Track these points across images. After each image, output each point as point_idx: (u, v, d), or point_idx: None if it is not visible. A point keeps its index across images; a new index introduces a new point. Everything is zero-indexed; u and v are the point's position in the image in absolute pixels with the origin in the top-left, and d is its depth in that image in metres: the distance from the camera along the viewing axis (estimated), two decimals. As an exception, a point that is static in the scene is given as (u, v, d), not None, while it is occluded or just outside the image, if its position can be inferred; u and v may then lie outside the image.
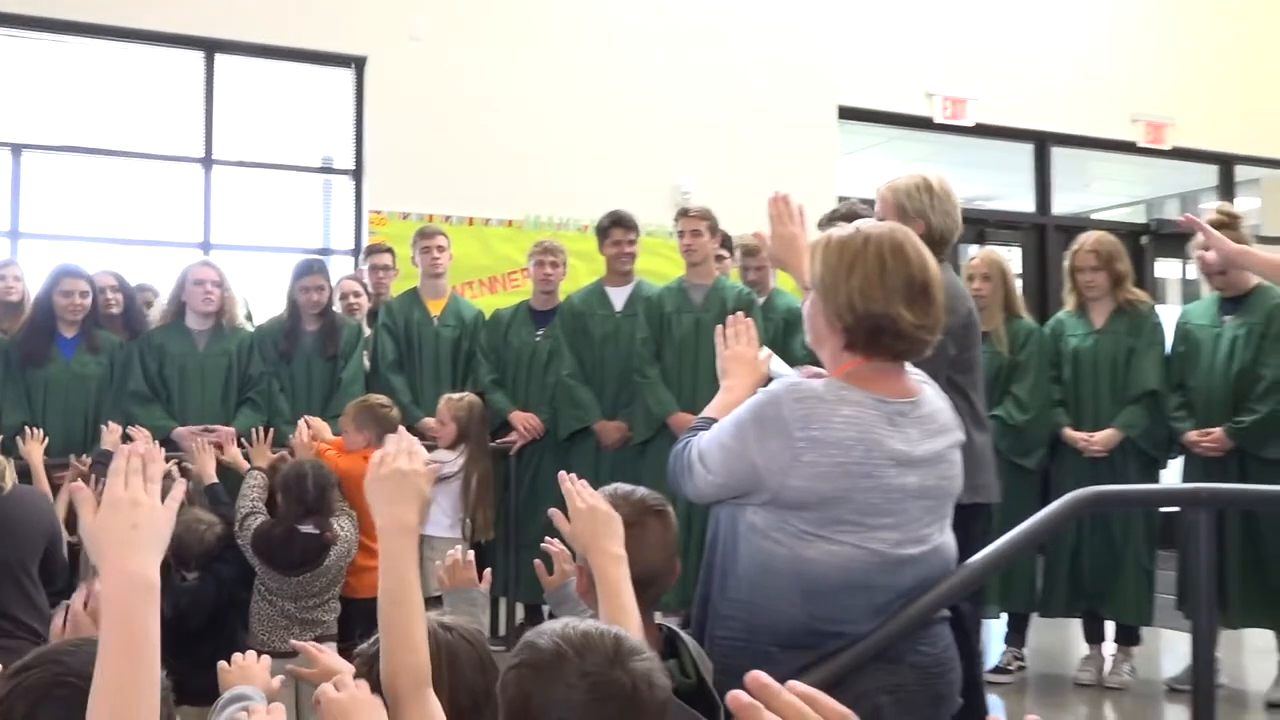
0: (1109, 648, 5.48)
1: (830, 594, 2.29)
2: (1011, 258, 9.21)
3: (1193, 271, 6.48)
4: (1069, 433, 5.33)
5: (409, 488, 1.84)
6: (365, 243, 7.17)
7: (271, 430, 5.05)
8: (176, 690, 1.71)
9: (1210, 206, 5.27)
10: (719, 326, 2.75)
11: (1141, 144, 9.43)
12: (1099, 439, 5.26)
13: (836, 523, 2.27)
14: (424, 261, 6.08)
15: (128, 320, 5.85)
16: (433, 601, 2.26)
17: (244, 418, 5.38)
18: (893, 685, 2.35)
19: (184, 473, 4.84)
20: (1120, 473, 5.21)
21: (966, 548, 2.61)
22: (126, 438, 4.73)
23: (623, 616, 2.04)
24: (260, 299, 6.52)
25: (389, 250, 6.59)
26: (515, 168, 7.50)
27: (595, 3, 7.95)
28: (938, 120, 8.85)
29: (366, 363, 5.91)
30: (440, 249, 6.07)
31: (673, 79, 8.02)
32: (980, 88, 8.90)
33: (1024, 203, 9.52)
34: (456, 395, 5.21)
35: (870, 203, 3.96)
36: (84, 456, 4.95)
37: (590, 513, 2.23)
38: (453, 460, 5.05)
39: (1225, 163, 9.91)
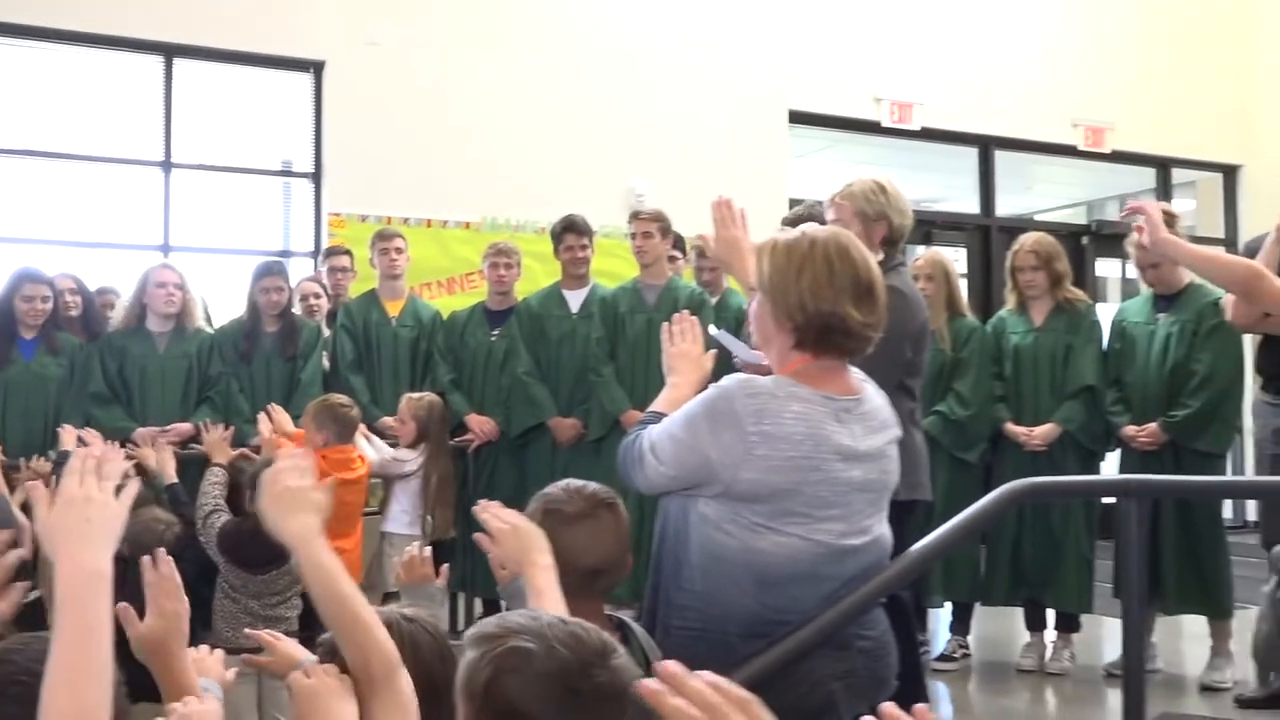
0: (1050, 635, 5.65)
1: (781, 584, 2.37)
2: (957, 258, 9.43)
3: (1132, 270, 6.66)
4: (1010, 427, 5.49)
5: (303, 501, 1.90)
6: (325, 245, 7.24)
7: (232, 428, 5.13)
8: (136, 687, 1.75)
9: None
10: (665, 325, 2.85)
11: (1082, 147, 9.67)
12: (1039, 433, 5.43)
13: (786, 514, 2.35)
14: (382, 263, 6.18)
15: (86, 322, 5.89)
16: (392, 596, 2.34)
17: (201, 415, 5.45)
18: (843, 671, 2.44)
19: (142, 472, 4.93)
20: (1060, 466, 5.38)
21: (901, 542, 2.72)
22: (81, 441, 4.83)
23: None
24: (221, 301, 6.57)
25: (347, 252, 6.67)
26: (473, 171, 7.60)
27: (550, 8, 8.06)
28: (885, 124, 9.03)
29: (326, 363, 5.99)
30: (398, 251, 6.17)
31: (627, 83, 8.14)
32: (926, 93, 9.10)
33: (969, 204, 9.73)
34: (417, 395, 5.31)
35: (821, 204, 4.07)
36: (42, 458, 4.99)
37: (514, 532, 2.30)
38: (413, 459, 5.14)
39: (1163, 165, 10.18)
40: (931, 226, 9.36)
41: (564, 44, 8.03)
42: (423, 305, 6.39)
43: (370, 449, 5.25)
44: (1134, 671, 2.92)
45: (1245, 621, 4.99)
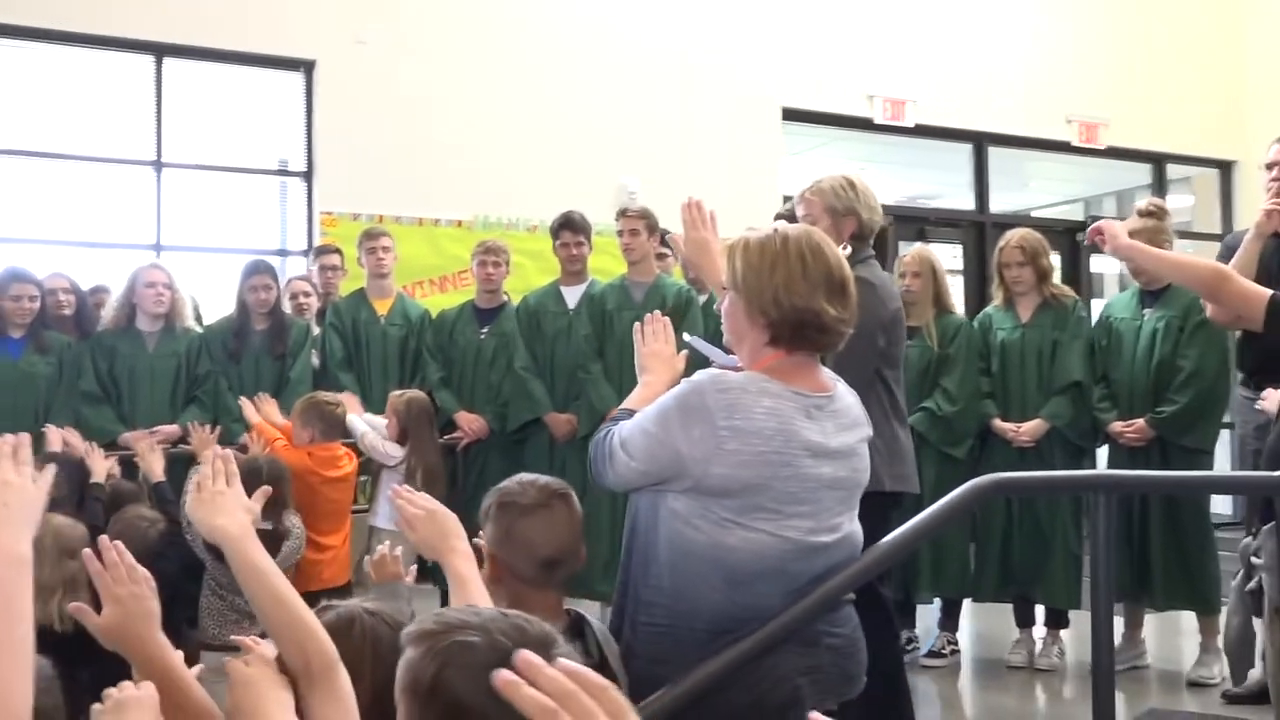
0: (1039, 631, 5.66)
1: (749, 580, 2.37)
2: (953, 255, 9.45)
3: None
4: (997, 423, 5.49)
5: (228, 503, 1.99)
6: (317, 244, 7.26)
7: (219, 427, 5.14)
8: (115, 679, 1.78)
9: (1142, 201, 5.45)
10: (636, 324, 2.87)
11: (1076, 144, 9.67)
12: (1026, 429, 5.43)
13: (755, 510, 2.35)
14: (370, 262, 6.19)
15: (79, 321, 5.91)
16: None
17: (189, 415, 5.47)
18: (809, 667, 2.44)
19: (129, 470, 4.95)
20: (1048, 462, 5.38)
21: (884, 534, 2.74)
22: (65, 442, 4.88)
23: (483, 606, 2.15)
24: (215, 300, 6.58)
25: (337, 251, 6.70)
26: (464, 168, 7.61)
27: (541, 6, 8.07)
28: (878, 121, 9.04)
29: (316, 361, 6.01)
30: (385, 249, 6.18)
31: (619, 81, 8.15)
32: (919, 90, 9.10)
33: (964, 201, 9.73)
34: (398, 392, 5.34)
35: None
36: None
37: (429, 517, 2.34)
38: (399, 454, 5.16)
39: (1158, 161, 10.18)
40: (925, 223, 9.36)
41: (555, 42, 8.04)
42: (411, 304, 6.41)
43: (361, 422, 5.26)
44: (1103, 668, 2.92)
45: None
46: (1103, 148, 9.75)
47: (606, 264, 7.10)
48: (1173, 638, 5.95)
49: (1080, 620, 5.73)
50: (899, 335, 3.87)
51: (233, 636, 2.55)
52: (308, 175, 7.62)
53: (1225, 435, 6.36)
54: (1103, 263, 10.13)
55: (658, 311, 2.95)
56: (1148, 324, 5.31)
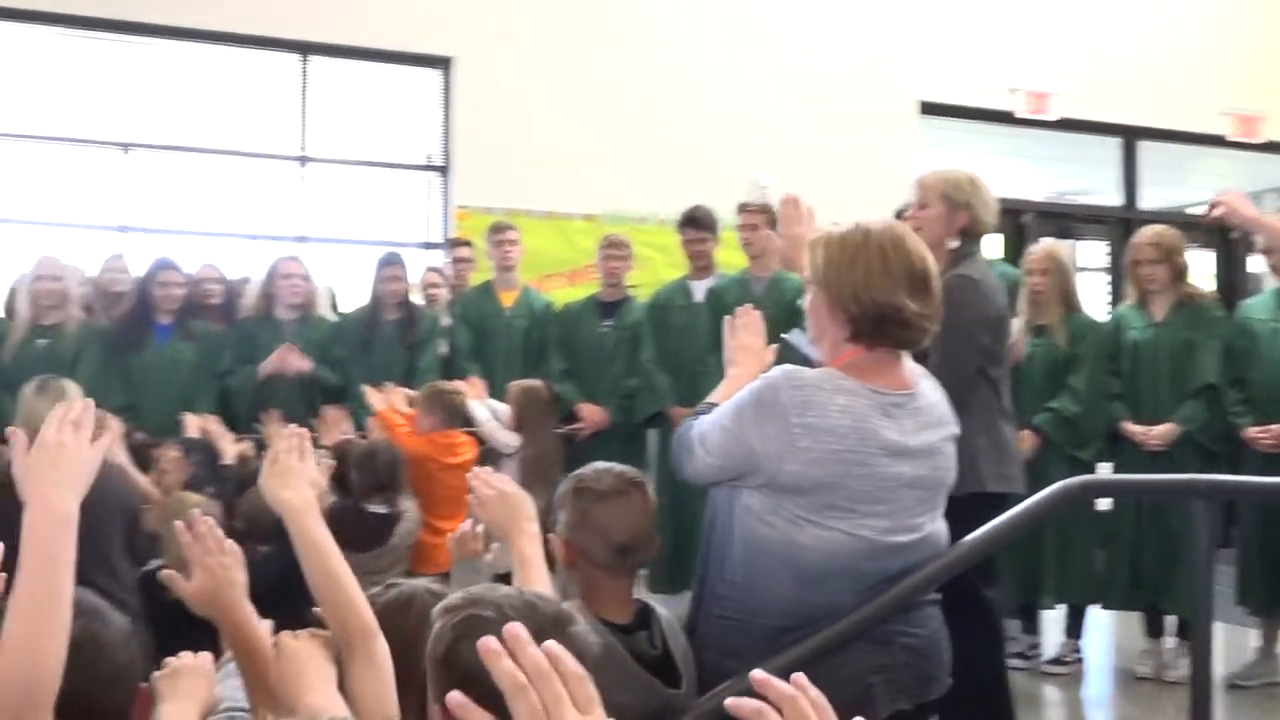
0: (1169, 642, 5.47)
1: (819, 578, 2.36)
2: (1099, 252, 9.18)
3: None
4: (1127, 426, 5.32)
5: (296, 477, 2.06)
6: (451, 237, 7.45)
7: (340, 413, 5.33)
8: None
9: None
10: (728, 318, 2.87)
11: (1231, 137, 9.26)
12: (1157, 433, 5.24)
13: (828, 508, 2.34)
14: (496, 255, 6.33)
15: (227, 310, 6.18)
16: (503, 577, 2.43)
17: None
18: (882, 665, 2.43)
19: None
20: (1179, 467, 5.16)
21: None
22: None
23: (542, 589, 2.20)
24: (355, 291, 6.80)
25: (469, 244, 6.86)
26: (595, 163, 7.70)
27: (675, 1, 8.10)
28: (1020, 115, 8.82)
29: (444, 351, 6.17)
30: (511, 243, 6.31)
31: (754, 75, 8.13)
32: (1064, 82, 8.84)
33: (1112, 197, 9.42)
34: (515, 382, 5.44)
35: None
36: (173, 444, 5.25)
37: (501, 497, 2.39)
38: (516, 443, 5.28)
39: (1325, 155, 9.69)
40: (1070, 220, 9.10)
41: (689, 36, 8.06)
42: (536, 296, 6.52)
43: (484, 408, 5.36)
44: (1201, 680, 2.81)
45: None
46: (1262, 142, 9.32)
47: (738, 259, 7.09)
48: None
49: (1216, 632, 5.53)
50: (1004, 333, 3.82)
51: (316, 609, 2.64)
52: (444, 170, 7.81)
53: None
54: (1261, 262, 9.68)
55: (749, 305, 2.95)
56: (1288, 325, 5.10)
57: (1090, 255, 9.56)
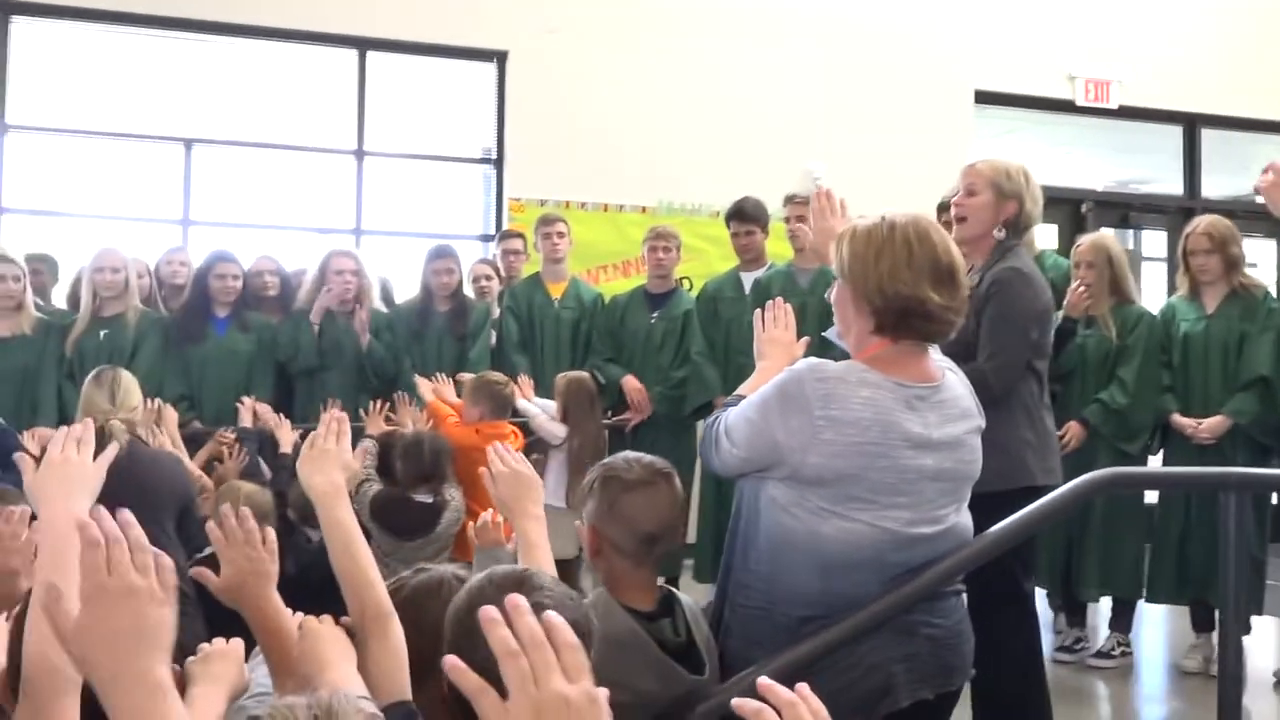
0: (1217, 636, 5.40)
1: (843, 569, 2.38)
2: (1158, 241, 9.05)
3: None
4: (1177, 418, 5.26)
5: (332, 460, 2.13)
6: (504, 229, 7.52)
7: (388, 404, 5.41)
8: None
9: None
10: (757, 310, 2.90)
11: (1294, 125, 9.09)
12: (1207, 425, 5.18)
13: (851, 500, 2.35)
14: (545, 247, 6.40)
15: (283, 302, 6.29)
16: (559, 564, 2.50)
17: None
18: (905, 655, 2.44)
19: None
20: (1229, 460, 5.10)
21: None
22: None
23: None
24: (410, 282, 6.89)
25: (520, 235, 6.91)
26: (648, 155, 7.73)
27: (730, -8, 8.12)
28: (1080, 103, 8.70)
29: (494, 341, 6.25)
30: (560, 235, 6.38)
31: (806, 64, 8.10)
32: (1124, 69, 8.71)
33: (1174, 186, 9.28)
34: (562, 374, 5.51)
35: None
36: (228, 431, 5.38)
37: (513, 476, 2.44)
38: (563, 433, 5.34)
39: (1394, 143, 9.45)
40: (1130, 209, 8.98)
41: (740, 27, 8.05)
42: (584, 287, 6.58)
43: (534, 406, 5.43)
44: (1230, 673, 2.80)
45: None
46: (1327, 128, 9.12)
47: (789, 250, 7.07)
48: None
49: (1262, 626, 5.47)
50: (1049, 326, 3.81)
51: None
52: (498, 163, 7.89)
53: None
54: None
55: (780, 298, 2.98)
56: (1343, 317, 5.01)
57: (1152, 245, 9.42)
